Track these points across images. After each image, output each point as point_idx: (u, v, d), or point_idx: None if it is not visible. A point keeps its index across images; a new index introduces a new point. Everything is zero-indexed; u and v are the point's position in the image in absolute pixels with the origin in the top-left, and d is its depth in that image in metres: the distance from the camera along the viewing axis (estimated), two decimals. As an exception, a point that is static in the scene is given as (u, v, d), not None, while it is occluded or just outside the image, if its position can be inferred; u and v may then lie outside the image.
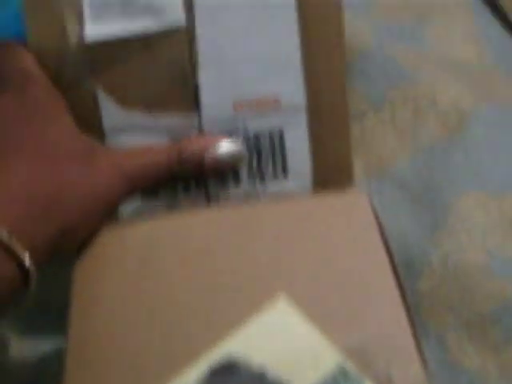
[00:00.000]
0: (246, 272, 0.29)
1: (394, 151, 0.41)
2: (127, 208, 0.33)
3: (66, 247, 0.29)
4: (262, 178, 0.34)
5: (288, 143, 0.34)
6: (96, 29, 0.32)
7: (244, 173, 0.34)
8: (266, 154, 0.34)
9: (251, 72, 0.33)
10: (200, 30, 0.33)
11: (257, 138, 0.34)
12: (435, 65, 0.44)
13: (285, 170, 0.34)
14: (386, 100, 0.42)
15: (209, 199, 0.34)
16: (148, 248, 0.30)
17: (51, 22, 0.33)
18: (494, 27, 0.49)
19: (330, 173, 0.35)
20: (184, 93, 0.33)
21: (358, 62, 0.43)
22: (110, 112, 0.33)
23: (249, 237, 0.30)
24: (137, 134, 0.34)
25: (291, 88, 0.34)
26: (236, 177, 0.34)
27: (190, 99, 0.33)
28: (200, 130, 0.34)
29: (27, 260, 0.26)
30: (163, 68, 0.33)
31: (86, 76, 0.33)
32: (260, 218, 0.31)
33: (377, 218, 0.31)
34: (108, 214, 0.31)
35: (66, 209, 0.28)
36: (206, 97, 0.33)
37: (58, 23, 0.33)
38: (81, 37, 0.32)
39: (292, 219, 0.31)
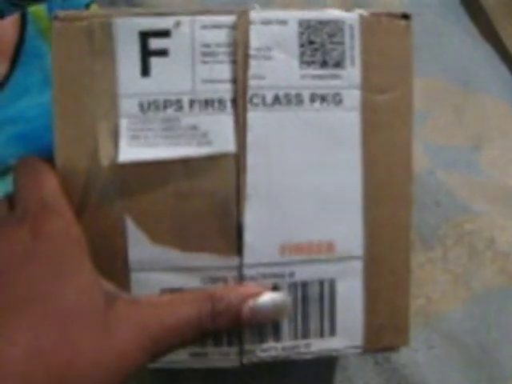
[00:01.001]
0: None
1: (445, 296, 0.36)
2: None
3: None
4: (306, 334, 0.30)
5: (339, 296, 0.30)
6: (132, 152, 0.28)
7: (285, 327, 0.30)
8: (313, 307, 0.30)
9: (304, 212, 0.29)
10: (251, 160, 0.29)
11: (304, 287, 0.29)
12: (492, 196, 0.40)
13: (333, 326, 0.30)
14: (438, 234, 0.38)
15: (242, 354, 0.30)
16: None
17: (83, 137, 0.28)
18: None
19: (384, 332, 0.30)
20: (225, 230, 0.29)
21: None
22: (138, 244, 0.29)
23: None
24: (165, 273, 0.29)
25: (348, 233, 0.30)
26: (276, 331, 0.30)
27: (232, 238, 0.29)
28: (239, 273, 0.29)
29: None
30: (204, 199, 0.29)
31: (114, 201, 0.28)
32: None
33: None
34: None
35: None
36: (250, 236, 0.29)
37: (90, 139, 0.28)
38: (113, 158, 0.28)
39: None
